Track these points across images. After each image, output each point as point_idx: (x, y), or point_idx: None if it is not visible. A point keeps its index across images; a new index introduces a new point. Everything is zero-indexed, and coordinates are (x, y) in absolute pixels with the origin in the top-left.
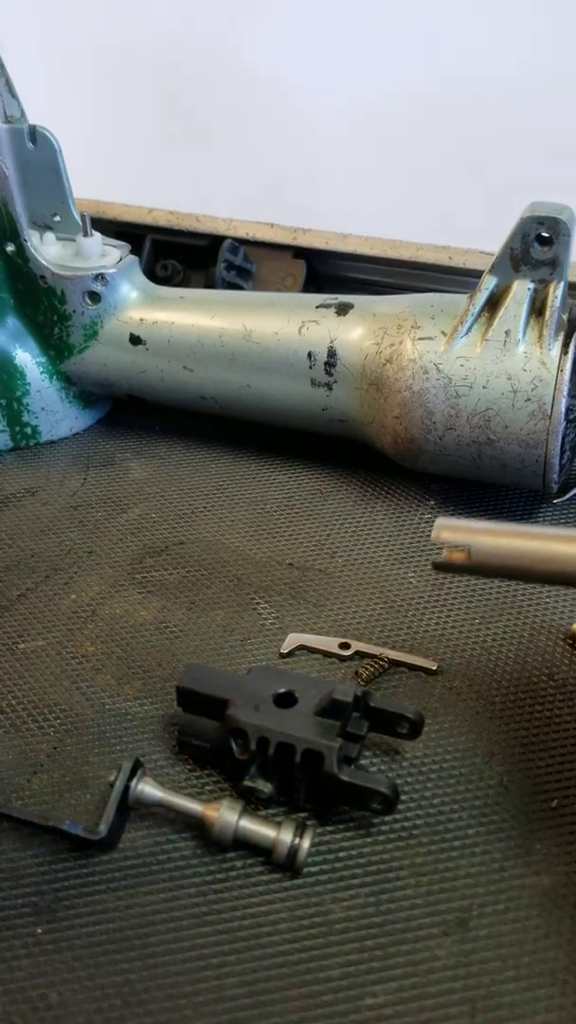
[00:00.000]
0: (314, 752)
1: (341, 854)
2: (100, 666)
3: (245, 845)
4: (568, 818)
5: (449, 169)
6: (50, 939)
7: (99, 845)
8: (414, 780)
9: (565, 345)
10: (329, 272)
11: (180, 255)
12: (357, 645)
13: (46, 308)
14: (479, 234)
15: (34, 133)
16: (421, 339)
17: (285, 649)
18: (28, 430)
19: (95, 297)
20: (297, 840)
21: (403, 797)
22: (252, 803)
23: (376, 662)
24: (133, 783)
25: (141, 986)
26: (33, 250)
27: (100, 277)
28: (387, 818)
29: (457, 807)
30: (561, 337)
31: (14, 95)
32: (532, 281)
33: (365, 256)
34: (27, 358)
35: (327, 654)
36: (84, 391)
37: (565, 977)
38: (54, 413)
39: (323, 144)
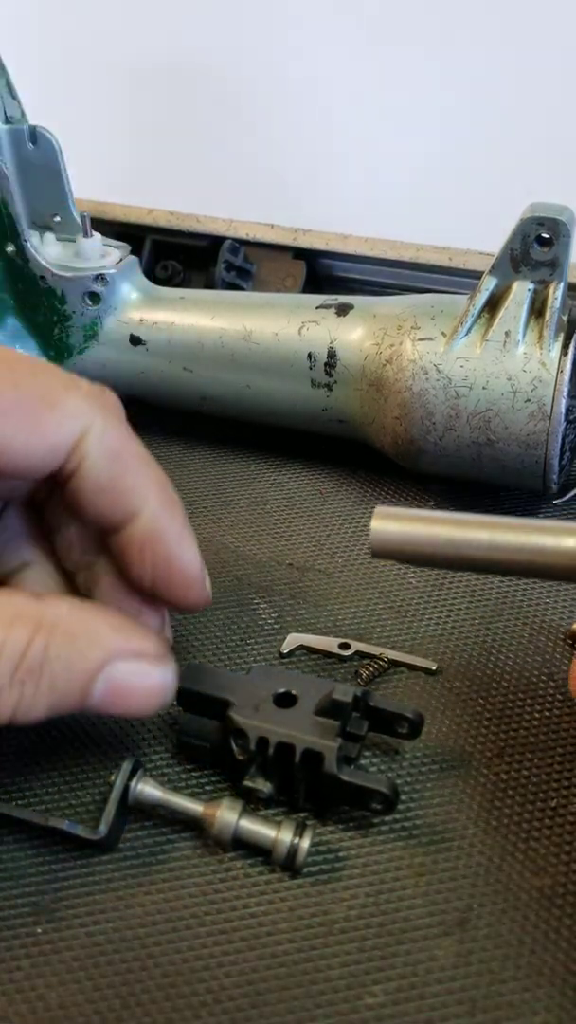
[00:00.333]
0: (314, 752)
1: (341, 854)
2: None
3: (245, 845)
4: (568, 818)
5: (449, 169)
6: (49, 939)
7: (99, 845)
8: (414, 780)
9: (565, 346)
10: (329, 273)
11: (180, 256)
12: (357, 645)
13: (46, 309)
14: (479, 235)
15: (34, 133)
16: (421, 340)
17: (285, 649)
18: None
19: (95, 298)
20: (297, 840)
21: (403, 797)
22: (252, 803)
23: (376, 662)
24: (133, 783)
25: (140, 986)
26: (33, 251)
27: (100, 278)
28: (387, 818)
29: (457, 807)
30: (561, 338)
31: (14, 96)
32: (532, 282)
33: (365, 257)
34: None
35: (327, 654)
36: None
37: (565, 977)
38: None
39: (323, 145)
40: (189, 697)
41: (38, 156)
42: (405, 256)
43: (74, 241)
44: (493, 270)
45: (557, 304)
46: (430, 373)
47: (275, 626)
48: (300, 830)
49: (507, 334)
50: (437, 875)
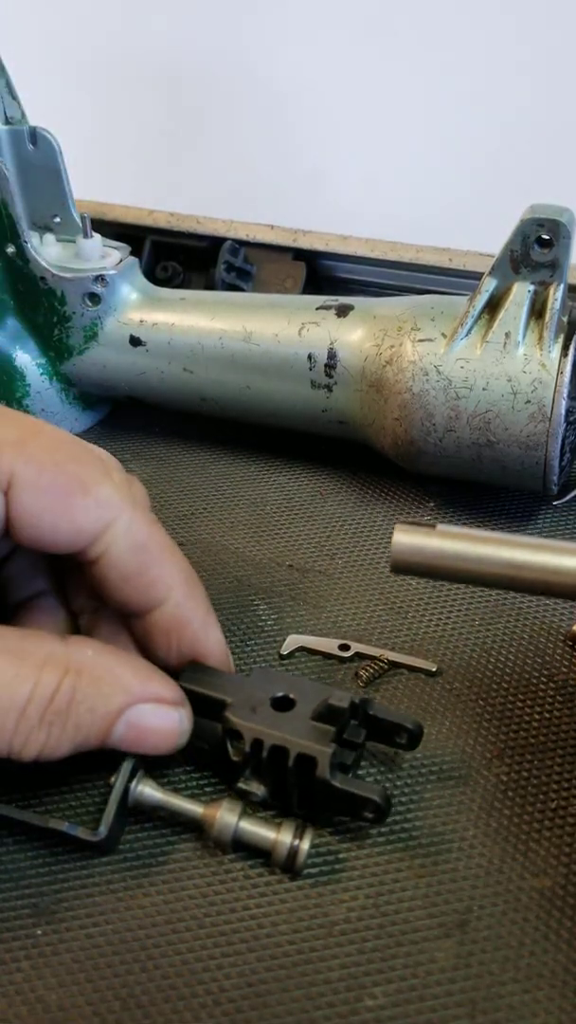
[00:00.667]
0: (307, 757)
1: (341, 855)
2: None
3: (244, 847)
4: (568, 820)
5: (449, 170)
6: (49, 941)
7: (99, 847)
8: (414, 782)
9: (565, 347)
10: (329, 274)
11: (180, 257)
12: (357, 646)
13: (46, 309)
14: (479, 236)
15: (35, 134)
16: (421, 341)
17: (285, 650)
18: None
19: (95, 298)
20: (297, 842)
21: (403, 798)
22: (246, 805)
23: (376, 663)
24: (133, 784)
25: (140, 988)
26: (33, 251)
27: (100, 279)
28: (387, 820)
29: (457, 808)
30: (561, 339)
31: (15, 96)
32: (532, 283)
33: (365, 258)
34: (27, 360)
35: (327, 655)
36: (84, 392)
37: (565, 979)
38: (54, 415)
39: (324, 145)
40: (188, 696)
41: (38, 157)
42: (405, 257)
43: (74, 242)
44: (493, 271)
45: (557, 305)
46: (430, 374)
47: (275, 627)
48: (300, 832)
49: (507, 335)
50: (437, 877)
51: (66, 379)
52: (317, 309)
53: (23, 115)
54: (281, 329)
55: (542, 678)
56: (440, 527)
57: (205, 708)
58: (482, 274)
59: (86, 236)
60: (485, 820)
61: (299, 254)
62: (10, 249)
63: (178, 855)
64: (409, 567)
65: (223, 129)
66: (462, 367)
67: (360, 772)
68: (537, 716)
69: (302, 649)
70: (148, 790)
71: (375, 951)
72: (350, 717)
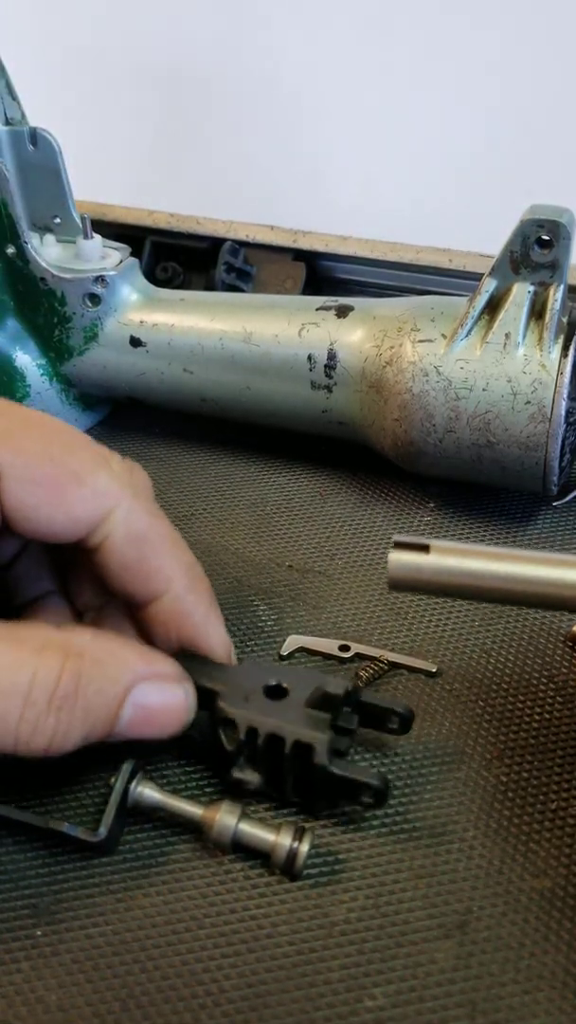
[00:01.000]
0: (304, 743)
1: (340, 856)
2: None
3: (244, 848)
4: (568, 821)
5: (449, 171)
6: (49, 941)
7: (98, 848)
8: (413, 782)
9: (565, 348)
10: (329, 274)
11: (180, 257)
12: (357, 647)
13: (46, 310)
14: (479, 236)
15: (35, 135)
16: (421, 341)
17: (285, 651)
18: None
19: (95, 299)
20: (296, 844)
21: (402, 799)
22: (240, 795)
23: (376, 664)
24: (133, 785)
25: (140, 989)
26: (33, 252)
27: (100, 279)
28: (386, 820)
29: (457, 809)
30: (561, 340)
31: (15, 97)
32: (532, 284)
33: (365, 258)
34: (27, 360)
35: (327, 656)
36: (84, 393)
37: (565, 979)
38: (54, 415)
39: (324, 146)
40: None
41: (38, 158)
42: (405, 258)
43: (74, 243)
44: (493, 272)
45: (557, 306)
46: (430, 375)
47: (275, 628)
48: (300, 834)
49: (507, 336)
50: (437, 877)
51: (66, 380)
52: (317, 310)
53: (23, 116)
54: (281, 330)
55: (542, 678)
56: (435, 544)
57: (200, 699)
58: (482, 275)
59: (86, 237)
60: (485, 820)
61: (299, 255)
62: (10, 250)
63: (177, 856)
64: (406, 585)
65: (223, 129)
66: (462, 368)
67: (358, 762)
68: (537, 716)
69: (302, 650)
70: (148, 791)
71: (375, 952)
72: (342, 704)
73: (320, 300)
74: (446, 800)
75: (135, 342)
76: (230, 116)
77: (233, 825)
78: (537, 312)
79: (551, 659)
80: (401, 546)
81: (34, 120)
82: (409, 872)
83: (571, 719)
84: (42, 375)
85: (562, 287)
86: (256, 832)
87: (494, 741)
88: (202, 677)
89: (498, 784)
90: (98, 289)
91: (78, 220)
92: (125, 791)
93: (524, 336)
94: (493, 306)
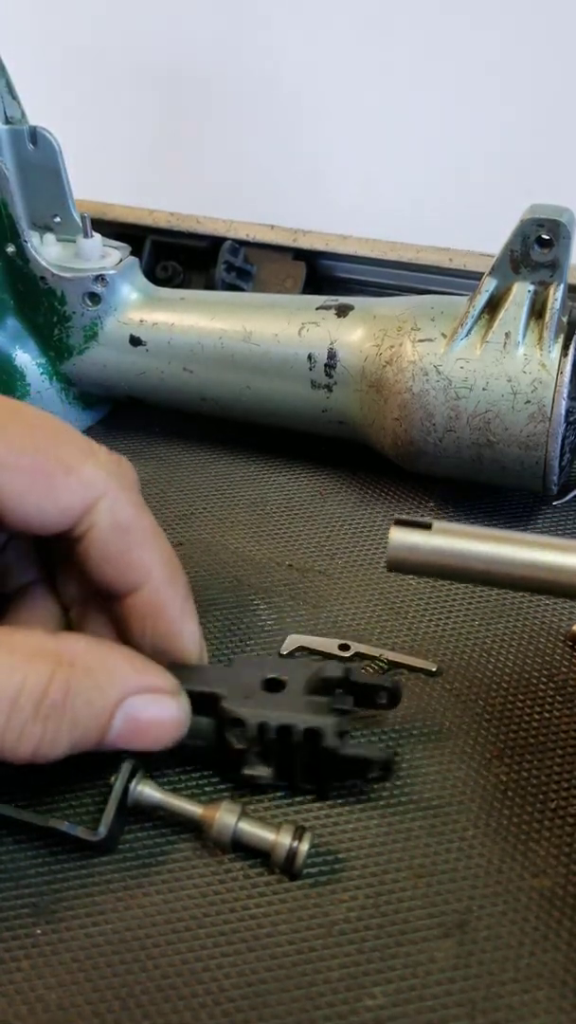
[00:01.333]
0: (313, 729)
1: (340, 856)
2: None
3: (244, 847)
4: (568, 820)
5: (449, 170)
6: (49, 940)
7: (98, 846)
8: (413, 781)
9: (565, 347)
10: (329, 274)
11: (180, 256)
12: (357, 646)
13: (46, 309)
14: (479, 236)
15: (35, 134)
16: (421, 341)
17: (284, 650)
18: None
19: (95, 298)
20: (296, 843)
21: (402, 798)
22: (252, 791)
23: (376, 664)
24: (132, 784)
25: (140, 988)
26: (33, 251)
27: (100, 278)
28: (386, 820)
29: (456, 808)
30: (561, 339)
31: (15, 96)
32: (532, 283)
33: (365, 258)
34: (27, 359)
35: (327, 655)
36: (84, 392)
37: (565, 979)
38: (54, 414)
39: (324, 145)
40: None
41: (38, 157)
42: (405, 257)
43: (74, 242)
44: (493, 271)
45: (557, 305)
46: (430, 374)
47: (275, 627)
48: (299, 833)
49: (507, 335)
50: (436, 877)
51: (66, 379)
52: (317, 309)
53: (23, 115)
54: (281, 329)
55: (542, 678)
56: (437, 524)
57: (196, 705)
58: (482, 274)
59: (86, 236)
60: (485, 819)
61: (299, 254)
62: (10, 249)
63: (178, 855)
64: (405, 565)
65: (223, 128)
66: (462, 367)
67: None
68: (537, 716)
69: (302, 649)
70: (148, 790)
71: (375, 951)
72: (336, 687)
73: (320, 299)
74: (446, 799)
75: (135, 341)
76: (230, 116)
77: (233, 824)
78: (537, 311)
79: (551, 658)
80: (403, 524)
81: (34, 119)
82: (409, 871)
83: (571, 718)
84: (42, 374)
85: (562, 286)
86: (256, 831)
87: (494, 740)
88: (200, 683)
89: (498, 783)
90: (98, 288)
91: (78, 219)
92: (125, 790)
93: (524, 335)
94: (493, 305)
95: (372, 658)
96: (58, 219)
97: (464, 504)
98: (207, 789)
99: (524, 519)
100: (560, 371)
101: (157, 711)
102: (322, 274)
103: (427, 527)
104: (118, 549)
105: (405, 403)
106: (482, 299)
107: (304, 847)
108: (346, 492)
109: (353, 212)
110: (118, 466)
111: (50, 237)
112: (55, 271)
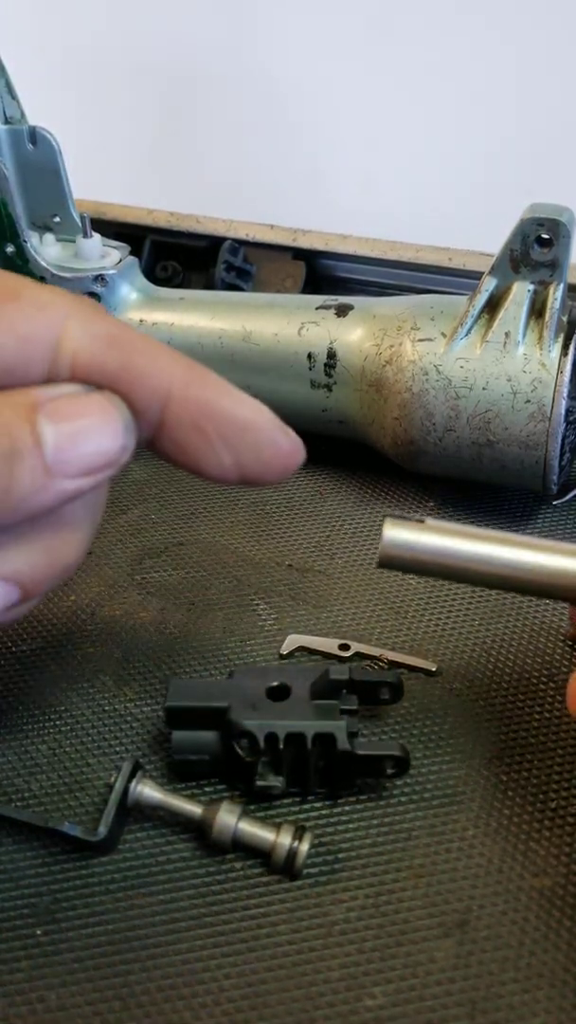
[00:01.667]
0: (324, 734)
1: (340, 856)
2: (99, 667)
3: (244, 847)
4: (568, 820)
5: (449, 170)
6: (49, 941)
7: (98, 847)
8: (413, 782)
9: (565, 347)
10: (329, 273)
11: (180, 256)
12: (357, 646)
13: None
14: (479, 235)
15: (34, 134)
16: (421, 340)
17: (285, 650)
18: None
19: (95, 298)
20: (296, 843)
21: (402, 798)
22: (265, 801)
23: (376, 663)
24: (133, 785)
25: (140, 988)
26: (33, 251)
27: (100, 278)
28: (386, 819)
29: (456, 808)
30: (561, 339)
31: (14, 96)
32: (532, 283)
33: (365, 257)
34: None
35: (327, 655)
36: None
37: (565, 979)
38: None
39: (324, 145)
40: (179, 714)
41: (38, 157)
42: (405, 256)
43: (74, 242)
44: (493, 271)
45: (557, 305)
46: (430, 374)
47: (275, 627)
48: (299, 833)
49: (507, 335)
50: (437, 876)
51: None
52: (317, 309)
53: (23, 115)
54: (281, 329)
55: (542, 678)
56: (430, 521)
57: (199, 721)
58: (482, 274)
59: (86, 236)
60: (485, 820)
61: (299, 253)
62: (10, 249)
63: (177, 855)
64: (397, 562)
65: (223, 128)
66: (462, 367)
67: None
68: (537, 716)
69: (302, 649)
70: (148, 790)
71: (375, 951)
72: (341, 688)
73: (320, 299)
74: (446, 799)
75: None
76: (230, 116)
77: (233, 824)
78: (537, 311)
79: (551, 658)
80: (396, 520)
81: (34, 119)
82: (409, 871)
83: (570, 718)
84: None
85: (562, 286)
86: (256, 831)
87: (494, 740)
88: (203, 698)
89: (498, 783)
90: (98, 288)
91: (78, 219)
92: (125, 790)
93: (524, 335)
94: (493, 305)
95: (372, 658)
96: (58, 219)
97: (464, 504)
98: (207, 789)
99: (524, 519)
100: (560, 370)
101: (80, 405)
102: (322, 274)
103: (420, 524)
104: (118, 363)
105: (405, 403)
106: (482, 299)
107: (304, 847)
108: (346, 492)
109: (353, 212)
110: (80, 298)
111: (50, 237)
112: (55, 271)
